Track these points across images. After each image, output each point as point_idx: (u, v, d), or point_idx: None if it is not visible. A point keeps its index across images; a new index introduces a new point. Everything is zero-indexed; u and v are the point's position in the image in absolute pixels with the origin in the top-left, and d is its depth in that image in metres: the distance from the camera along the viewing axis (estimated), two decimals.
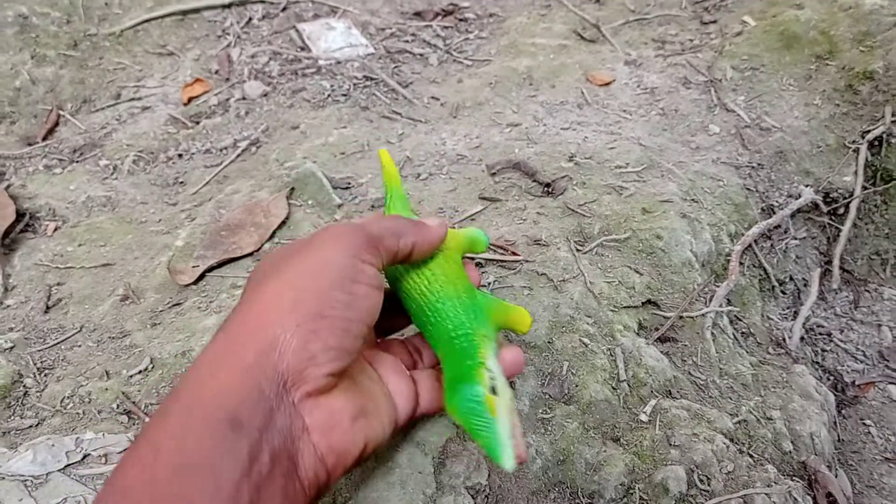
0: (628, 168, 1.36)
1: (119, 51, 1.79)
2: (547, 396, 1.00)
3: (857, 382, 1.29)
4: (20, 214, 1.36)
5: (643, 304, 1.13)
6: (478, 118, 1.56)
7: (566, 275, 1.13)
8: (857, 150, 1.46)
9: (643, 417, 1.01)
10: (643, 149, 1.41)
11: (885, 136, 1.47)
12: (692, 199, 1.31)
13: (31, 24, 1.75)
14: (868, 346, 1.35)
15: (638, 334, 1.10)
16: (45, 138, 1.57)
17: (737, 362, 1.16)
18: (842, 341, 1.35)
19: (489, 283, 1.11)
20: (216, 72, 1.75)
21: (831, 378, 1.29)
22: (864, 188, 1.45)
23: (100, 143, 1.56)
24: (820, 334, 1.35)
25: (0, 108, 1.62)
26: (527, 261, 1.16)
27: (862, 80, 1.53)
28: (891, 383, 1.31)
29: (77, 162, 1.52)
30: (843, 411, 1.26)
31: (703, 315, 1.16)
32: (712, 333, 1.16)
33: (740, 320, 1.25)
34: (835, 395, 1.22)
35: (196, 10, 1.90)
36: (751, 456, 1.02)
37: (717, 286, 1.22)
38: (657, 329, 1.12)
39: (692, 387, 1.09)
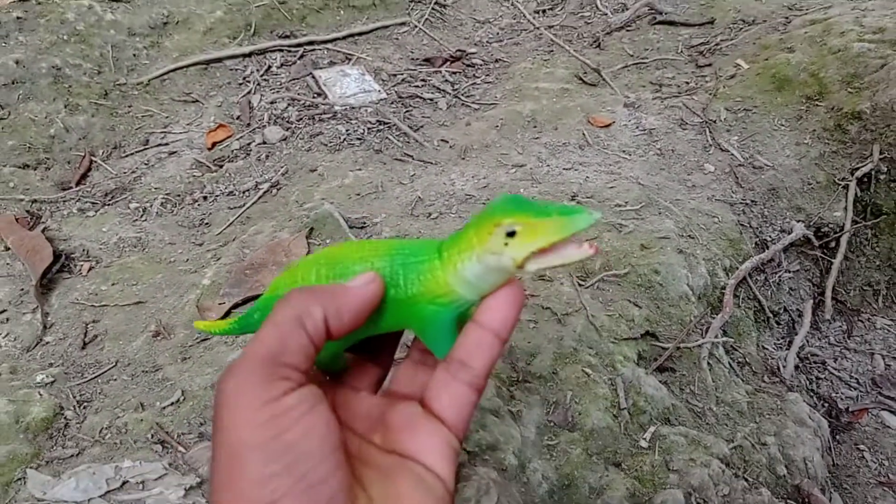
0: (627, 206, 1.44)
1: (147, 99, 1.90)
2: (552, 424, 1.07)
3: (850, 409, 1.35)
4: (57, 256, 1.45)
5: (642, 335, 1.20)
6: (485, 159, 1.65)
7: (569, 308, 1.21)
8: (846, 187, 1.53)
9: (643, 443, 1.08)
10: (642, 187, 1.49)
11: (873, 172, 1.55)
12: (688, 235, 1.38)
13: (65, 75, 1.86)
14: (861, 373, 1.41)
15: (638, 364, 1.17)
16: (78, 183, 1.67)
17: (732, 390, 1.23)
18: (836, 369, 1.41)
19: None
20: (238, 117, 1.86)
21: (826, 405, 1.35)
22: (855, 222, 1.52)
23: (130, 187, 1.66)
24: (814, 363, 1.41)
25: (36, 155, 1.73)
26: (532, 295, 1.24)
27: (850, 119, 1.61)
28: (884, 410, 1.36)
29: (109, 205, 1.61)
30: (838, 437, 1.32)
31: (699, 346, 1.23)
32: (709, 363, 1.23)
33: (736, 350, 1.32)
34: (829, 421, 1.28)
35: (218, 60, 2.01)
36: (746, 480, 1.08)
37: (713, 318, 1.29)
38: (656, 359, 1.19)
39: (690, 414, 1.16)
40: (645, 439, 1.07)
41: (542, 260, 0.41)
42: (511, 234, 0.41)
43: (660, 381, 1.16)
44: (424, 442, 0.46)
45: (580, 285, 1.25)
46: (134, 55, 1.97)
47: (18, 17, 1.95)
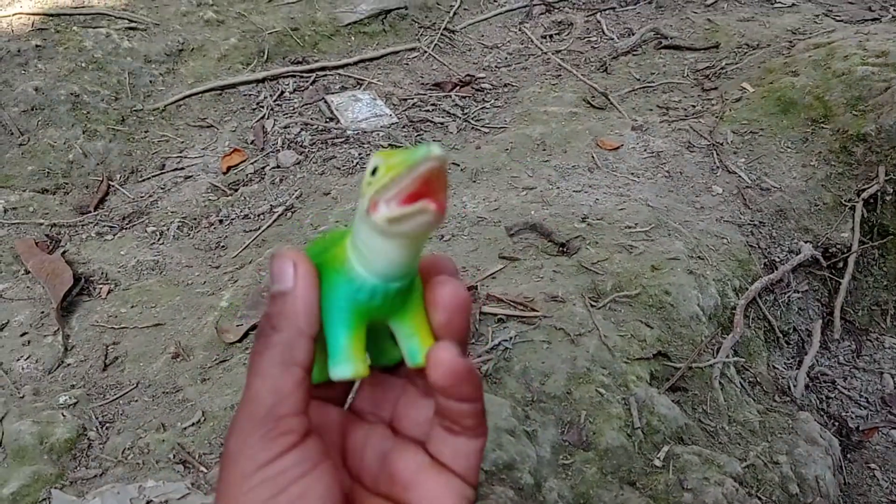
0: (637, 228, 1.46)
1: (163, 124, 1.94)
2: (567, 444, 1.09)
3: (861, 428, 1.36)
4: (76, 279, 1.48)
5: (654, 356, 1.22)
6: (496, 182, 1.68)
7: (582, 329, 1.23)
8: (853, 208, 1.56)
9: (657, 462, 1.09)
10: (651, 209, 1.51)
11: (879, 193, 1.57)
12: (698, 257, 1.40)
13: (83, 102, 1.90)
14: (871, 392, 1.43)
15: (650, 384, 1.19)
16: (96, 207, 1.71)
17: (744, 410, 1.24)
18: (845, 388, 1.42)
19: (511, 338, 1.21)
20: (252, 142, 1.89)
21: (836, 424, 1.36)
22: (862, 243, 1.54)
23: (147, 211, 1.69)
24: (824, 382, 1.43)
25: (55, 180, 1.76)
26: (545, 316, 1.26)
27: (856, 142, 1.63)
28: (894, 428, 1.37)
29: (126, 229, 1.64)
30: (849, 455, 1.33)
31: (711, 365, 1.25)
32: (720, 383, 1.25)
33: (747, 370, 1.33)
34: (840, 440, 1.29)
35: (232, 86, 2.05)
36: (759, 498, 1.09)
37: (724, 338, 1.30)
38: (668, 379, 1.21)
39: (703, 433, 1.17)
40: (659, 458, 1.09)
41: (395, 208, 0.35)
42: (374, 173, 0.37)
43: (672, 401, 1.17)
44: (435, 497, 0.42)
45: (592, 306, 1.27)
46: (150, 82, 2.02)
47: (37, 46, 1.99)
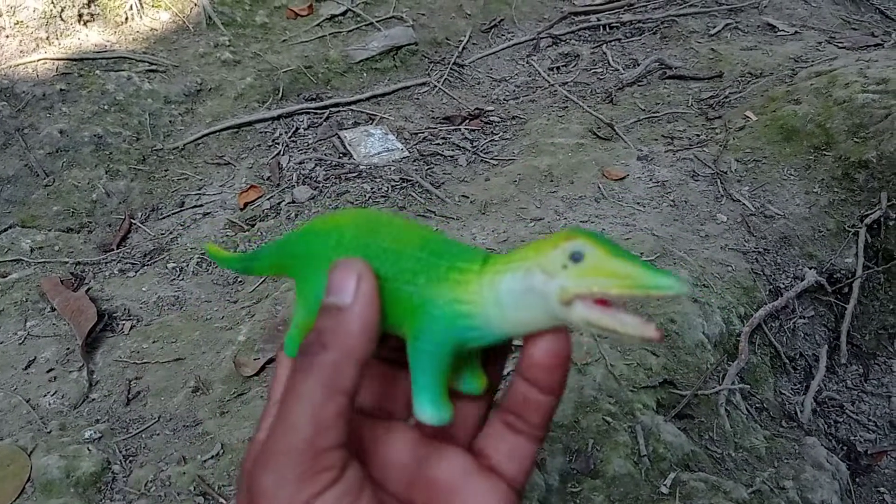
0: (643, 257, 1.49)
1: (182, 163, 2.00)
2: (574, 472, 1.11)
3: (869, 452, 1.38)
4: (100, 315, 1.54)
5: (660, 383, 1.25)
6: (504, 214, 1.72)
7: (589, 358, 1.26)
8: (856, 234, 1.58)
9: (664, 490, 1.12)
10: (656, 238, 1.55)
11: (882, 219, 1.59)
12: (703, 285, 1.43)
13: (105, 143, 1.98)
14: (879, 416, 1.44)
15: (656, 412, 1.22)
16: (119, 245, 1.77)
17: (751, 436, 1.26)
18: (853, 413, 1.44)
19: None
20: (268, 178, 1.95)
21: (844, 448, 1.37)
22: (866, 268, 1.57)
23: (167, 248, 1.75)
24: (832, 406, 1.44)
25: (79, 219, 1.83)
26: None
27: (858, 168, 1.66)
28: None
29: (147, 265, 1.70)
30: (858, 480, 1.34)
31: (717, 392, 1.27)
32: (726, 409, 1.27)
33: (753, 396, 1.36)
34: (848, 464, 1.30)
35: (249, 123, 2.12)
36: None
37: (730, 365, 1.33)
38: (674, 407, 1.24)
39: (709, 460, 1.20)
40: (666, 485, 1.11)
41: (593, 310, 0.33)
42: (576, 259, 0.33)
43: (679, 428, 1.20)
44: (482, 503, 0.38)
45: (599, 335, 1.31)
46: (170, 122, 2.09)
47: (62, 89, 2.07)
